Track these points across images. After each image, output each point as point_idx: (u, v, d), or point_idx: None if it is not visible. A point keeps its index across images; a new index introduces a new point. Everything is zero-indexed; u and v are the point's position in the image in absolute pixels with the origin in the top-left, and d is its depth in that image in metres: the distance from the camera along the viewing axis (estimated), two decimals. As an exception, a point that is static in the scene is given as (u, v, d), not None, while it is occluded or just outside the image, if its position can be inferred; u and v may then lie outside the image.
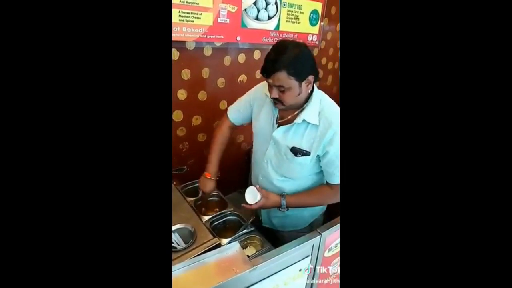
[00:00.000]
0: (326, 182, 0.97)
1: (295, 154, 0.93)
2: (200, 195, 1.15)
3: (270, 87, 0.86)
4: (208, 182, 1.10)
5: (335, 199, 0.97)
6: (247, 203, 0.96)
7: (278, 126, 0.96)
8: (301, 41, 0.88)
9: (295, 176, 0.99)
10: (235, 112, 1.12)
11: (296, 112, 0.93)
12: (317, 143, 0.89)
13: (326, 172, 0.94)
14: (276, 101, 0.88)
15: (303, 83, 0.84)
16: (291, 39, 0.90)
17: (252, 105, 1.07)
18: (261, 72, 0.84)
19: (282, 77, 0.80)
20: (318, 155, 0.92)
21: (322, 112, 0.89)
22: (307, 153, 0.91)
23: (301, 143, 0.92)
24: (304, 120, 0.89)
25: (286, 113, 0.95)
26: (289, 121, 0.94)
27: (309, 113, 0.89)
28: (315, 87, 0.93)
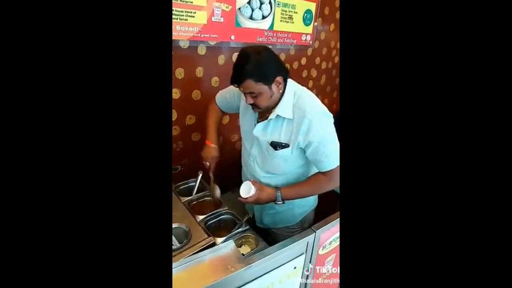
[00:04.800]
0: (319, 171, 0.98)
1: (275, 148, 0.96)
2: (195, 193, 1.16)
3: (244, 94, 0.90)
4: (210, 149, 1.11)
5: (330, 185, 0.98)
6: (241, 197, 0.97)
7: None
8: (261, 45, 0.91)
9: (279, 171, 1.01)
10: (222, 99, 1.18)
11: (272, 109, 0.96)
12: (295, 134, 0.92)
13: (315, 160, 0.95)
14: (253, 106, 0.93)
15: (273, 85, 0.88)
16: (253, 46, 0.92)
17: (235, 101, 1.11)
18: (231, 82, 0.89)
19: (250, 85, 0.85)
20: (300, 148, 0.94)
21: (296, 104, 0.92)
22: (286, 145, 0.94)
23: (280, 137, 0.95)
24: (278, 115, 0.93)
25: (263, 113, 0.99)
26: (266, 118, 0.97)
27: (282, 108, 0.92)
28: (289, 82, 0.95)
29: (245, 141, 1.10)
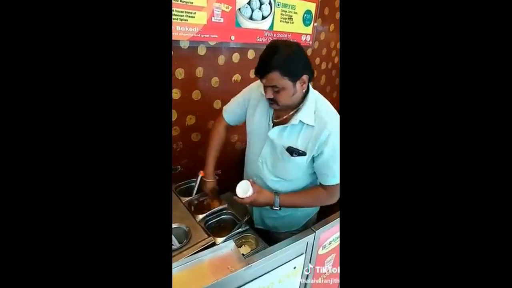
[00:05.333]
0: (320, 183, 0.97)
1: (291, 154, 0.92)
2: (194, 193, 1.17)
3: (265, 87, 0.86)
4: (209, 183, 1.11)
5: (329, 200, 0.97)
6: (238, 197, 0.93)
7: (273, 126, 0.95)
8: (294, 40, 0.88)
9: (291, 177, 0.98)
10: (230, 112, 1.11)
11: (292, 112, 0.92)
12: (312, 143, 0.89)
13: (319, 173, 0.94)
14: (271, 102, 0.88)
15: (297, 83, 0.84)
16: (284, 39, 0.90)
17: (246, 105, 1.05)
18: (255, 73, 0.84)
19: (275, 77, 0.80)
20: (313, 156, 0.91)
21: (317, 112, 0.89)
22: (303, 153, 0.91)
23: (297, 143, 0.91)
24: (300, 121, 0.89)
25: (281, 113, 0.94)
26: (285, 121, 0.93)
27: (305, 114, 0.89)
28: (310, 87, 0.93)
29: (253, 142, 1.04)
